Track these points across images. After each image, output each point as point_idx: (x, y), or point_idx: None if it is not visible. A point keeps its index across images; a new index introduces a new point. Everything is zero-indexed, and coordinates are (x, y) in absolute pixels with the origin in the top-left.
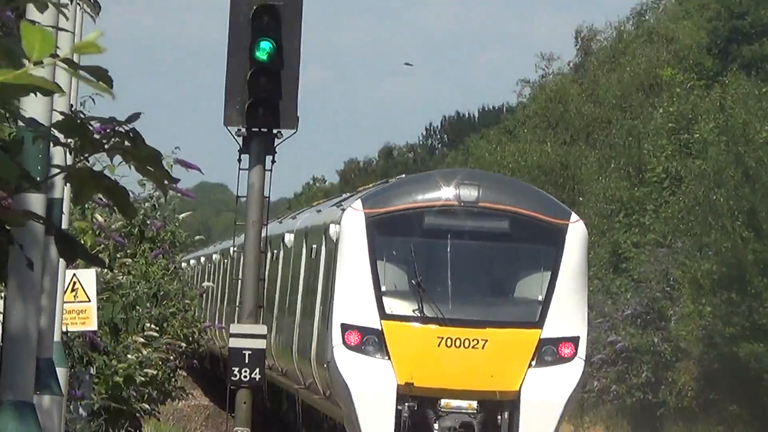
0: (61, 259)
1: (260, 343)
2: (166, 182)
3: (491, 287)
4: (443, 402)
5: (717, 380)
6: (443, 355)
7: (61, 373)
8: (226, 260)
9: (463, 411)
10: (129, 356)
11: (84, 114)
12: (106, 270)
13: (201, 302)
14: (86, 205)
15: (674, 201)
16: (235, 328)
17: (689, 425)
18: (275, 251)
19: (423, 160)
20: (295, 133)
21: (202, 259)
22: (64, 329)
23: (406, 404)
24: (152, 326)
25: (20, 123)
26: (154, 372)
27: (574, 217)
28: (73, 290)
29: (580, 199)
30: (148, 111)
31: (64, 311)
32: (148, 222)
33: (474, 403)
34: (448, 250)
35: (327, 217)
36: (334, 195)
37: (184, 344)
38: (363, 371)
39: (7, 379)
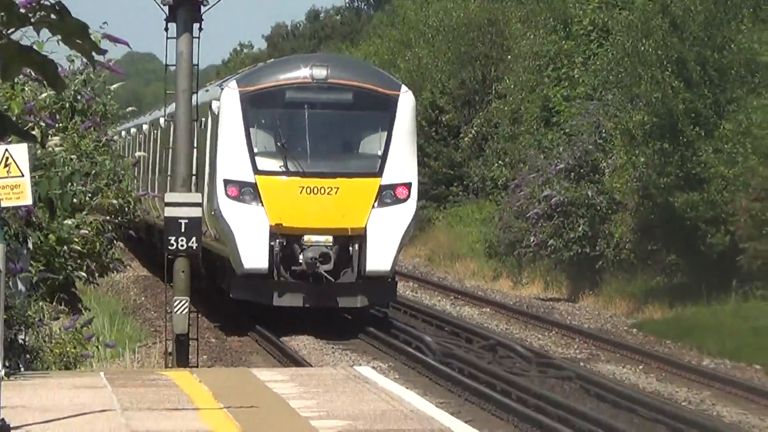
0: None
1: (195, 212)
2: (94, 54)
3: (340, 146)
4: (306, 238)
5: (654, 231)
6: (304, 201)
7: None
8: (156, 130)
9: (322, 244)
10: (67, 221)
11: None
12: (38, 146)
13: (134, 172)
14: (15, 81)
15: (602, 53)
16: (169, 197)
17: (628, 277)
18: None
19: (350, 22)
20: (220, 0)
21: (133, 130)
22: None
23: (277, 240)
24: (87, 199)
25: None
26: (89, 233)
27: (404, 88)
28: (5, 165)
29: (508, 56)
30: None
31: None
32: (79, 97)
33: (330, 238)
34: (306, 118)
35: (210, 95)
36: (260, 62)
37: (119, 216)
38: (242, 216)
39: None
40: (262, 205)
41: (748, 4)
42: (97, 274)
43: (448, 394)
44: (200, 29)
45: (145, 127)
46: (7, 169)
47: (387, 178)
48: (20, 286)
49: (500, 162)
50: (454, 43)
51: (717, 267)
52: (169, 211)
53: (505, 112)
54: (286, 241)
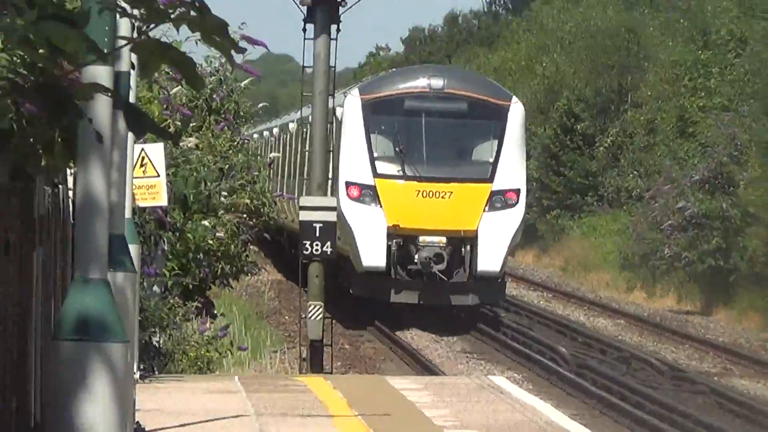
0: (130, 134)
1: (330, 216)
2: (233, 52)
3: (455, 153)
4: (421, 239)
5: None
6: (420, 203)
7: (133, 249)
8: (286, 133)
9: (436, 245)
10: (204, 222)
11: None
12: (173, 144)
13: (268, 173)
14: (153, 79)
15: (739, 63)
16: (304, 200)
17: (762, 290)
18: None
19: (488, 27)
20: (358, 1)
21: (266, 133)
22: (135, 205)
23: (394, 240)
24: (222, 200)
25: None
26: (225, 236)
27: (514, 99)
28: (142, 165)
29: (645, 65)
30: None
31: (134, 187)
32: (214, 96)
33: (444, 239)
34: (422, 125)
35: (335, 102)
36: (395, 67)
37: (254, 218)
38: (362, 217)
39: (81, 255)
40: (381, 206)
41: None
42: (231, 277)
43: (582, 406)
44: (338, 31)
45: (277, 130)
46: (143, 169)
47: (498, 184)
48: (155, 288)
49: (635, 172)
50: (591, 50)
51: None
52: (304, 215)
53: (641, 122)
54: (402, 241)
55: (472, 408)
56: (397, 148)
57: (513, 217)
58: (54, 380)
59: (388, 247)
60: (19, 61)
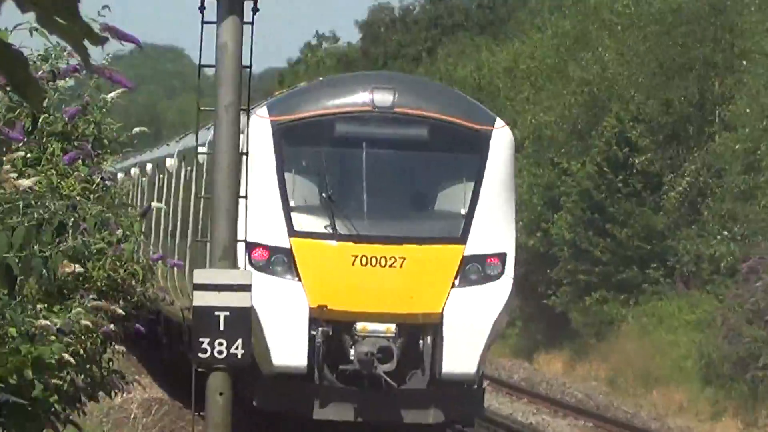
0: None
1: (242, 300)
2: (87, 43)
3: (410, 200)
4: (359, 326)
5: None
6: (358, 274)
7: None
8: (188, 167)
9: (381, 335)
10: (36, 321)
11: None
12: None
13: (142, 229)
14: None
15: None
16: (200, 275)
17: None
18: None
19: (492, 7)
20: None
21: (148, 166)
22: None
23: (320, 329)
24: (73, 269)
25: None
26: (77, 347)
27: (499, 122)
28: None
29: (742, 63)
30: None
31: None
32: (58, 114)
33: (393, 327)
34: (363, 160)
35: (205, 136)
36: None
37: (120, 302)
38: (272, 294)
39: None
40: (299, 279)
41: None
42: (84, 397)
43: None
44: (256, 10)
45: (169, 161)
46: None
47: (473, 247)
48: None
49: (726, 233)
50: (657, 42)
51: None
52: (201, 298)
53: (736, 153)
54: (332, 330)
55: None
56: (324, 194)
57: (496, 295)
58: None
59: (311, 339)
60: None
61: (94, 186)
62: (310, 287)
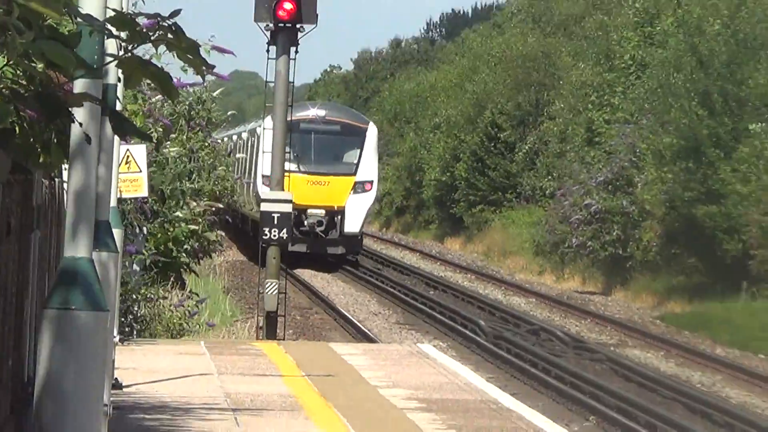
0: (116, 136)
1: (287, 207)
2: (204, 68)
3: (332, 157)
4: (309, 211)
5: (677, 237)
6: (309, 188)
7: (117, 233)
8: (253, 138)
9: (318, 215)
10: (176, 213)
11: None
12: (154, 148)
13: (242, 169)
14: (137, 92)
15: (639, 84)
16: (265, 194)
17: (654, 275)
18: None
19: (426, 51)
20: (315, 27)
21: (234, 137)
22: (119, 196)
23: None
24: (189, 185)
25: (78, 19)
26: (196, 227)
27: (371, 123)
28: (126, 162)
29: (560, 82)
30: (189, 9)
31: (120, 181)
32: (192, 112)
33: (323, 212)
34: (312, 140)
35: (254, 125)
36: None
37: (220, 206)
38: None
39: (70, 238)
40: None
41: (766, 47)
42: (199, 256)
43: (497, 371)
44: (296, 52)
45: (244, 135)
46: (127, 165)
47: (359, 177)
48: (135, 266)
49: (549, 174)
50: (513, 71)
51: (730, 270)
52: (265, 206)
53: (555, 132)
54: (297, 212)
55: (403, 371)
56: (295, 154)
57: (368, 198)
58: (44, 343)
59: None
60: (20, 73)
61: (206, 144)
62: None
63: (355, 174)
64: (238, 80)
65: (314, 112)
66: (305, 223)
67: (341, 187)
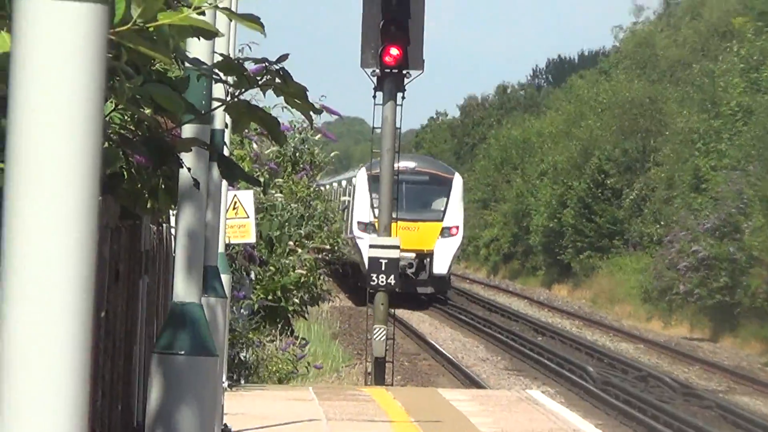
0: (224, 181)
1: (394, 253)
2: (311, 113)
3: (421, 204)
4: (401, 254)
5: None
6: (401, 233)
7: (225, 278)
8: (350, 186)
9: (409, 258)
10: (283, 260)
11: (241, 56)
12: (261, 192)
13: (342, 216)
14: (244, 137)
15: (746, 130)
16: (373, 240)
17: (762, 322)
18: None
19: (532, 97)
20: (421, 73)
21: (335, 184)
22: (227, 241)
23: None
24: (301, 240)
25: (186, 64)
26: (304, 272)
27: (456, 173)
28: (234, 208)
29: (667, 128)
30: (296, 54)
31: (227, 226)
32: (297, 154)
33: (413, 255)
34: (404, 189)
35: (352, 174)
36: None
37: (328, 248)
38: (365, 241)
39: (179, 283)
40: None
41: None
42: (308, 304)
43: (606, 417)
44: (403, 98)
45: (342, 182)
46: (235, 211)
47: (446, 222)
48: (242, 311)
49: (656, 221)
50: (620, 117)
51: None
52: (373, 252)
53: (662, 178)
54: None
55: (512, 417)
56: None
57: (455, 243)
58: (153, 388)
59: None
60: (128, 118)
61: (311, 190)
62: None
63: (442, 219)
64: (344, 127)
65: (405, 163)
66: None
67: (430, 232)
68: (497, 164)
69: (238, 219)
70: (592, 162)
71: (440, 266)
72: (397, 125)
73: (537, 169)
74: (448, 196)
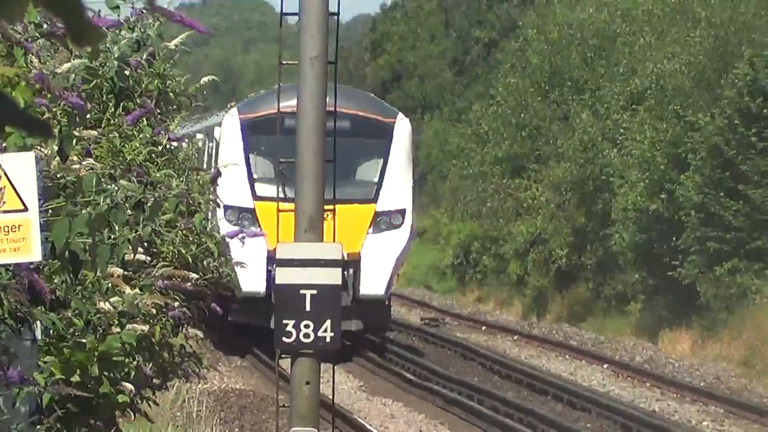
0: None
1: (333, 276)
2: None
3: (338, 173)
4: None
5: None
6: None
7: None
8: (211, 143)
9: None
10: (101, 303)
11: None
12: (56, 154)
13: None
14: (15, 42)
15: None
16: (283, 250)
17: None
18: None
19: None
20: None
21: (216, 130)
22: None
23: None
24: (139, 251)
25: None
26: (144, 328)
27: (400, 116)
28: None
29: None
30: None
31: None
32: (127, 72)
33: None
34: None
35: (215, 120)
36: None
37: (192, 278)
38: (240, 247)
39: None
40: (261, 229)
41: None
42: (154, 387)
43: None
44: None
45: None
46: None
47: (382, 205)
48: (18, 405)
49: None
50: None
51: None
52: (283, 275)
53: None
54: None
55: None
56: (277, 169)
57: (398, 239)
58: None
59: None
60: None
61: (160, 149)
62: (268, 236)
63: (376, 200)
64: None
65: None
66: None
67: (355, 222)
68: (542, 82)
69: (7, 213)
70: (738, 71)
71: (373, 282)
72: (333, 8)
73: (624, 90)
74: (386, 157)
